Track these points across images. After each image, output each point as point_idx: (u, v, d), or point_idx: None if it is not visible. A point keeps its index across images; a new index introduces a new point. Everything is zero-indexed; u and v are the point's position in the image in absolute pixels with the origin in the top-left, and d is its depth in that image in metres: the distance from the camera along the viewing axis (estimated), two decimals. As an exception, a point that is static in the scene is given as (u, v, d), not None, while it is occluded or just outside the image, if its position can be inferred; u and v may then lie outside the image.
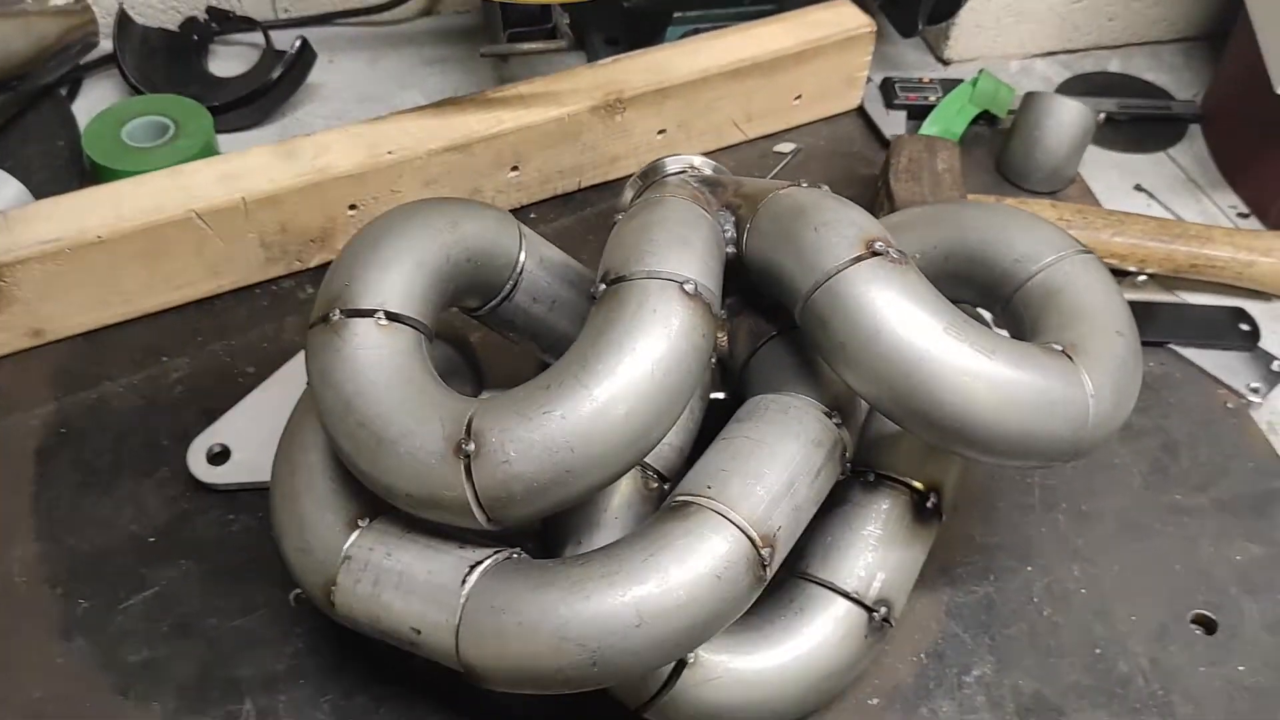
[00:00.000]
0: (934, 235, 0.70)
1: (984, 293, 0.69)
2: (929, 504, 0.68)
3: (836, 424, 0.63)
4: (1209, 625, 0.74)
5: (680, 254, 0.59)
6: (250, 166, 0.85)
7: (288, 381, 0.80)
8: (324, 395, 0.59)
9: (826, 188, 0.66)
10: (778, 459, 0.60)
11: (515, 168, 0.93)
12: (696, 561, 0.55)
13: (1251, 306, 0.93)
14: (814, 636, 0.64)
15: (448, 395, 0.59)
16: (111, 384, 0.82)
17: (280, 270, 0.89)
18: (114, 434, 0.79)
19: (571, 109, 0.92)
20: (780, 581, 0.66)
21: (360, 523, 0.61)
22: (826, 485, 0.63)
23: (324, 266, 0.91)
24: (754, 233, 0.65)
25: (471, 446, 0.55)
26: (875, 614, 0.65)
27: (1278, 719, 0.69)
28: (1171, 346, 0.90)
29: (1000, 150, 1.03)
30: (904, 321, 0.57)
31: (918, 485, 0.68)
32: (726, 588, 0.56)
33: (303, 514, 0.63)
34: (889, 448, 0.69)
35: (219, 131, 1.00)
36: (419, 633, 0.58)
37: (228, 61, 1.10)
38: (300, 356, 0.82)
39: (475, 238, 0.66)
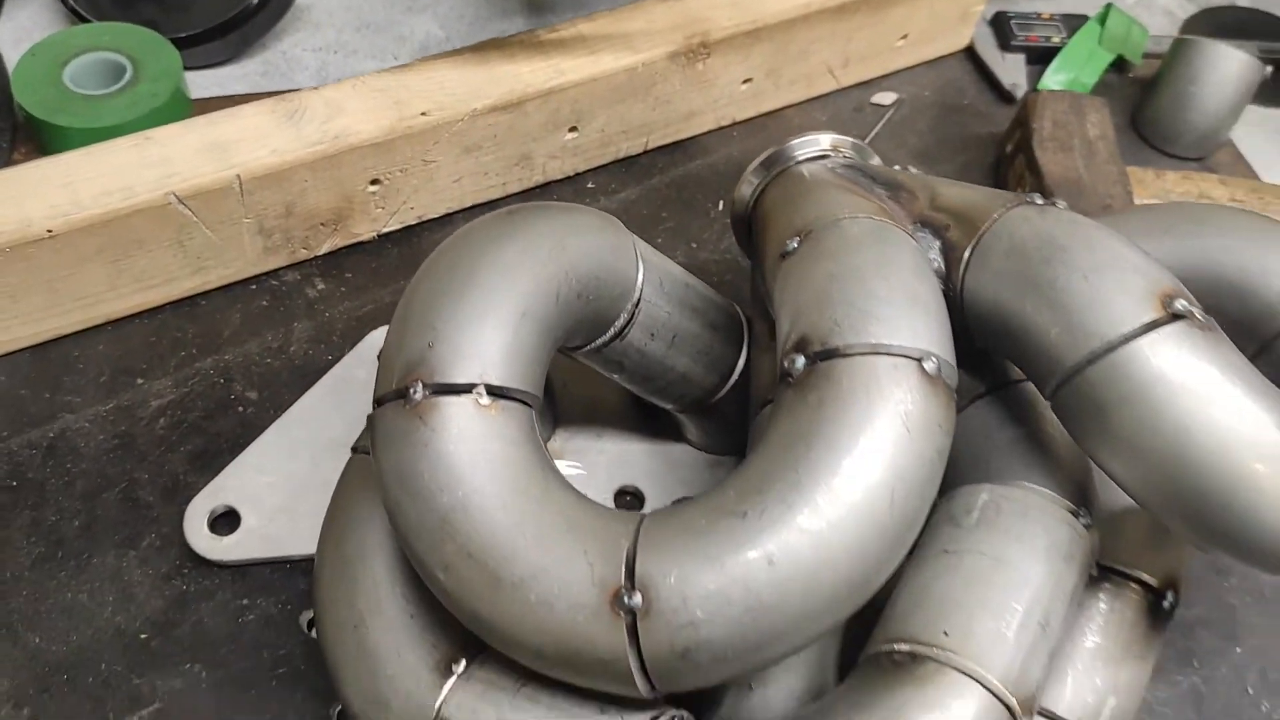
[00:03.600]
0: (1169, 249, 0.54)
1: (1240, 331, 0.53)
2: (1166, 604, 0.53)
3: (1086, 525, 0.47)
4: None
5: (912, 316, 0.43)
6: (244, 132, 0.65)
7: (307, 420, 0.62)
8: (407, 508, 0.42)
9: (1064, 204, 0.49)
10: (1026, 586, 0.44)
11: (574, 128, 0.74)
12: (944, 746, 0.40)
13: None
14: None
15: (589, 511, 0.42)
16: (73, 417, 0.64)
17: (282, 260, 0.70)
18: (82, 487, 0.61)
19: (647, 56, 0.73)
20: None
21: (454, 667, 0.45)
22: (1076, 607, 0.47)
23: (336, 254, 0.72)
24: (979, 269, 0.48)
25: (638, 600, 0.39)
26: (1103, 751, 0.50)
27: None
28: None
29: (1139, 106, 0.86)
30: (1228, 418, 0.41)
31: (1151, 581, 0.53)
32: (981, 779, 0.41)
33: (372, 649, 0.46)
34: (1113, 530, 0.54)
35: (186, 69, 0.79)
36: (558, 835, 0.42)
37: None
38: (323, 384, 0.64)
39: (587, 262, 0.49)
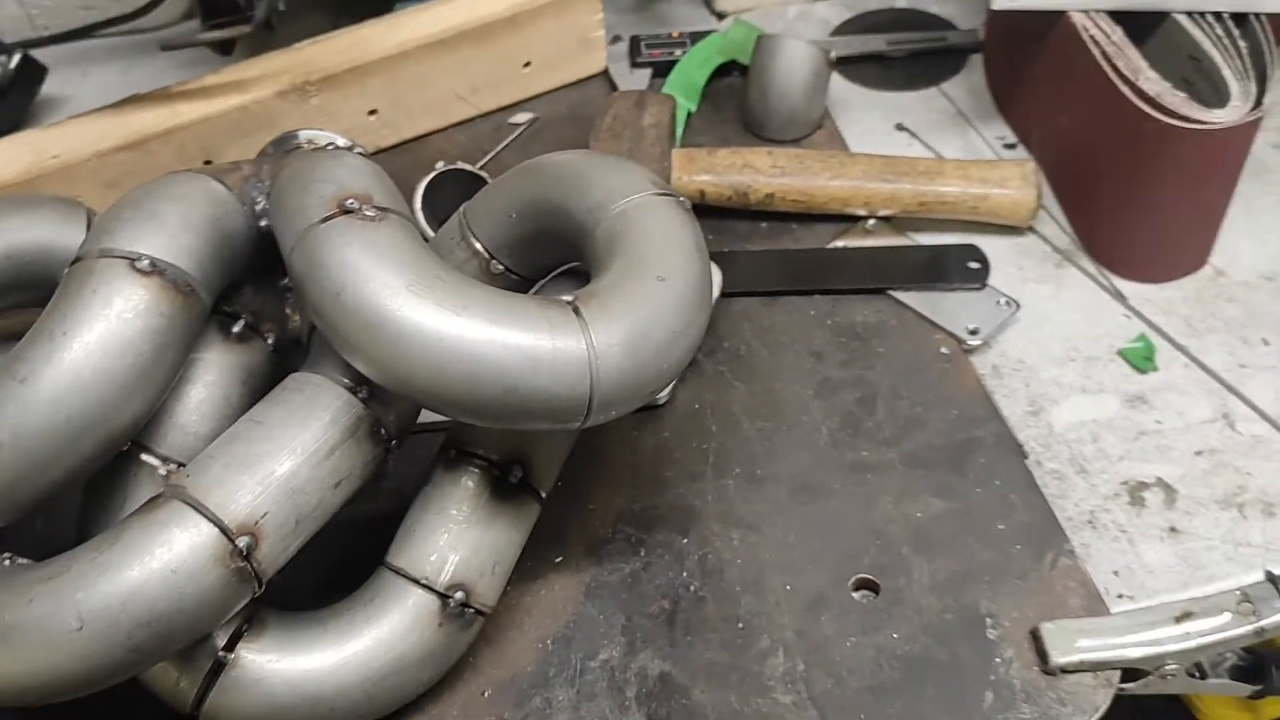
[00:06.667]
0: (527, 191, 0.65)
1: (574, 249, 0.64)
2: (512, 478, 0.63)
3: (363, 398, 0.59)
4: (874, 588, 0.68)
5: (139, 229, 0.56)
6: (-88, 184, 0.84)
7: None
8: None
9: (360, 149, 0.62)
10: (275, 439, 0.56)
11: (208, 162, 0.90)
12: (150, 557, 0.52)
13: (996, 242, 0.86)
14: (381, 629, 0.60)
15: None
16: None
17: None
18: None
19: (256, 95, 0.88)
20: (371, 572, 0.63)
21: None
22: (349, 465, 0.58)
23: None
24: (269, 202, 0.61)
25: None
26: (450, 600, 0.60)
27: (924, 687, 0.63)
28: (891, 293, 0.83)
29: (742, 100, 0.97)
30: (364, 280, 0.54)
31: (494, 457, 0.63)
32: (188, 583, 0.52)
33: None
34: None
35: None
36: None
37: (-19, 84, 1.09)
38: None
39: (21, 232, 0.64)
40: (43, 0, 1.11)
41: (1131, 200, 0.81)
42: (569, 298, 0.56)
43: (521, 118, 0.99)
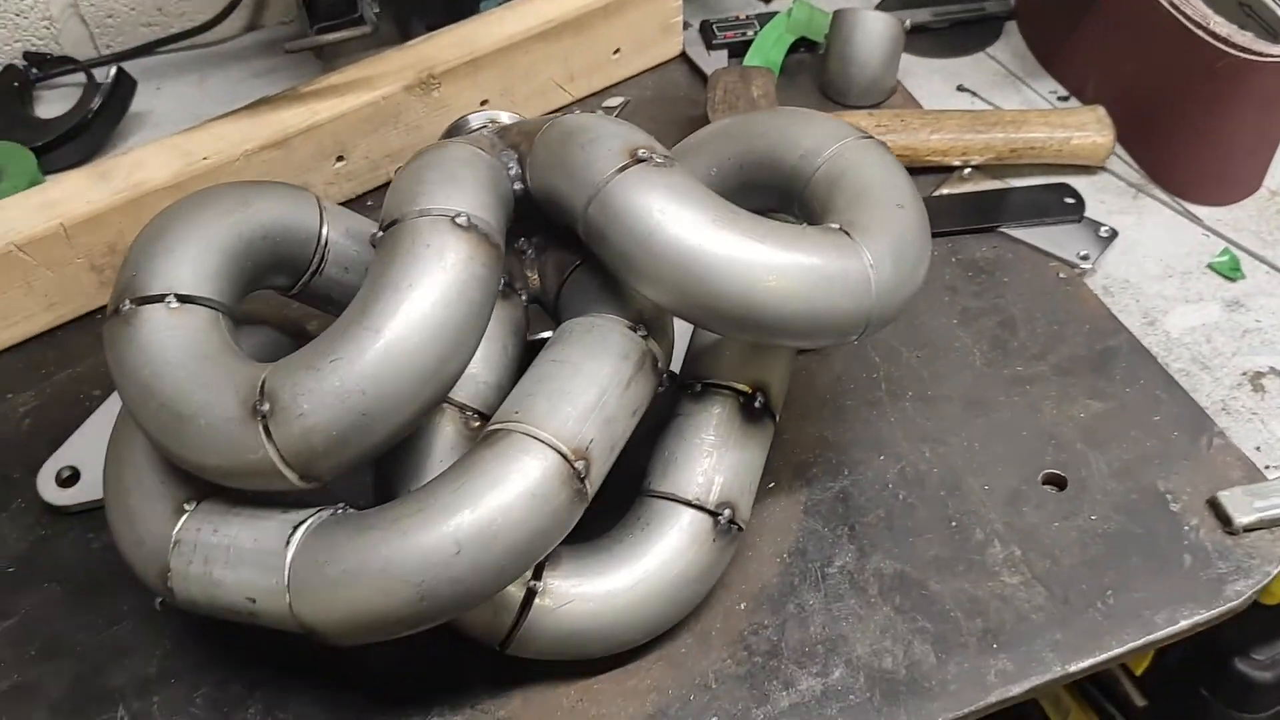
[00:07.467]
0: (727, 148, 0.71)
1: (782, 194, 0.70)
2: (757, 404, 0.69)
3: (643, 336, 0.64)
4: (1059, 483, 0.76)
5: (448, 190, 0.60)
6: (67, 192, 0.85)
7: (129, 396, 0.80)
8: (124, 386, 0.60)
9: (601, 112, 0.67)
10: (582, 375, 0.61)
11: (341, 157, 0.93)
12: (509, 483, 0.56)
13: (1076, 180, 0.95)
14: (663, 549, 0.65)
15: (243, 363, 0.59)
16: (-45, 427, 0.82)
17: (118, 293, 0.89)
18: (-38, 476, 0.79)
19: (385, 91, 0.92)
20: (630, 501, 0.67)
21: (187, 506, 0.61)
22: (642, 395, 0.63)
23: (163, 283, 0.91)
24: (533, 164, 0.66)
25: (266, 406, 0.56)
26: (720, 517, 0.66)
27: (1129, 558, 0.71)
28: (1002, 230, 0.92)
29: (820, 72, 1.05)
30: (672, 220, 0.59)
31: (742, 387, 0.69)
32: (543, 504, 0.57)
33: (132, 508, 0.63)
34: (711, 357, 0.70)
35: (49, 172, 0.99)
36: (254, 601, 0.59)
37: (55, 104, 1.09)
38: (139, 369, 0.82)
39: (269, 214, 0.67)
40: (106, 19, 1.12)
41: (1204, 132, 0.91)
42: (835, 224, 0.62)
43: (614, 101, 1.04)
